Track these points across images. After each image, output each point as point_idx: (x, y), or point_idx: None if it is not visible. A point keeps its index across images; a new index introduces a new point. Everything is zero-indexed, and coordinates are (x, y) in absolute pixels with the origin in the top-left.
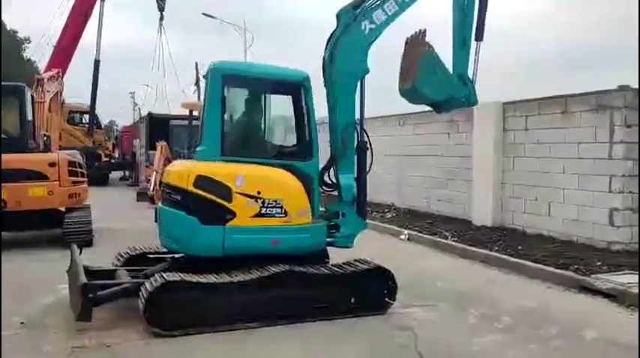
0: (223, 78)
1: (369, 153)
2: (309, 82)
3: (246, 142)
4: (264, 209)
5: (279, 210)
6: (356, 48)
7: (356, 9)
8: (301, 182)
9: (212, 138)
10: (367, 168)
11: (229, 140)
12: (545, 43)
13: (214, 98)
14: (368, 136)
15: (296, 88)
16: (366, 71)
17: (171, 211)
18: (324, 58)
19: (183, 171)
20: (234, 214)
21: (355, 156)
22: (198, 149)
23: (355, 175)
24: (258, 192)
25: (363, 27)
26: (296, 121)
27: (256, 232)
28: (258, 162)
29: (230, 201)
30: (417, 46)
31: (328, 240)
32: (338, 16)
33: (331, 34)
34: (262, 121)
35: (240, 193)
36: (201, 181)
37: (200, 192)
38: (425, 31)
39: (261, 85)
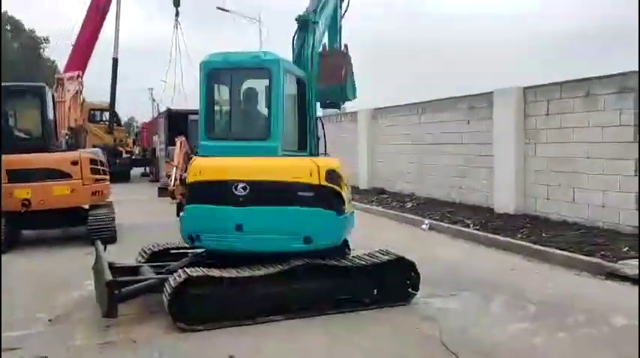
0: (283, 71)
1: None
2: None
3: (294, 136)
4: (349, 195)
5: (350, 195)
6: (317, 52)
7: (315, 16)
8: None
9: (280, 133)
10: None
11: (285, 134)
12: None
13: (279, 92)
14: (323, 127)
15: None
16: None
17: (296, 209)
18: (300, 59)
19: (309, 167)
20: (344, 203)
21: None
22: (267, 144)
23: None
24: (347, 181)
25: (317, 34)
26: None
27: (350, 217)
28: (299, 155)
29: (342, 190)
30: (339, 54)
31: None
32: (305, 21)
33: (299, 37)
34: (296, 115)
35: (344, 183)
36: (331, 175)
37: (332, 185)
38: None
39: (295, 79)
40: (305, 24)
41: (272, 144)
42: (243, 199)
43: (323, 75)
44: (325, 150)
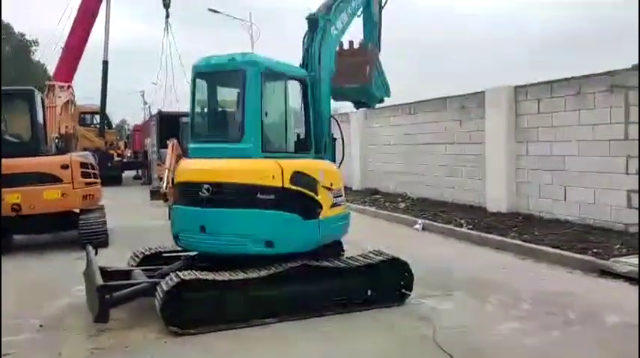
0: (262, 73)
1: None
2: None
3: (281, 138)
4: (336, 199)
5: (341, 198)
6: (331, 51)
7: (328, 14)
8: None
9: (256, 135)
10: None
11: (267, 136)
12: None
13: (255, 94)
14: (340, 127)
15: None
16: (333, 71)
17: (256, 212)
18: (306, 59)
19: (271, 169)
20: (321, 207)
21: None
22: (240, 146)
23: (338, 164)
24: (331, 184)
25: (332, 32)
26: (306, 114)
27: (334, 221)
28: (292, 157)
29: (317, 194)
30: (363, 52)
31: None
32: (314, 20)
33: (309, 37)
34: (287, 116)
35: (323, 186)
36: (297, 177)
37: (297, 188)
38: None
39: (285, 79)
40: (314, 23)
41: (246, 145)
42: (206, 201)
43: (344, 74)
44: (343, 151)
